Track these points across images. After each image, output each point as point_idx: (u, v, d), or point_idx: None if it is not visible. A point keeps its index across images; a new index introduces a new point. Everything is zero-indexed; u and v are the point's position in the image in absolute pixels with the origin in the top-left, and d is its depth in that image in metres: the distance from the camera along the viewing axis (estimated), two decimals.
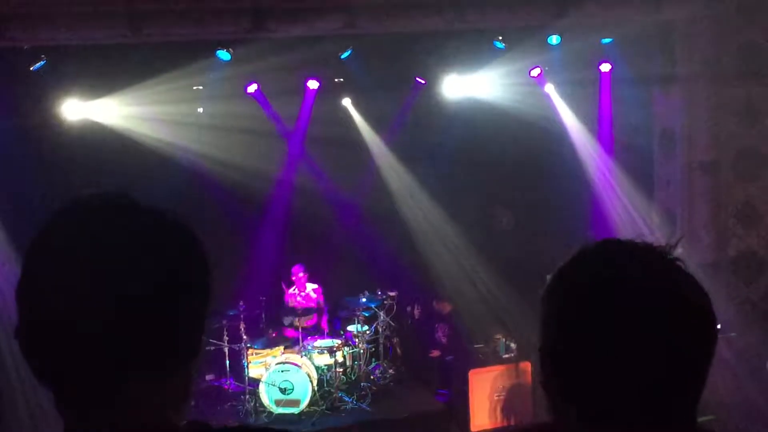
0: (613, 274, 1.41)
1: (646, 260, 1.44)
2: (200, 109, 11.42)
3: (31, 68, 9.07)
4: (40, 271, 1.30)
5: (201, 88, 10.59)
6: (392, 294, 11.18)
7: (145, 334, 1.29)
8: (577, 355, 1.41)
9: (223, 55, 9.56)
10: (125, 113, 10.24)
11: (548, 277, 1.51)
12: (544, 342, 1.48)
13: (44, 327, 1.28)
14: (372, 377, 10.86)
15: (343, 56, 10.14)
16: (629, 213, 11.03)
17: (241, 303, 10.40)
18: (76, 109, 10.01)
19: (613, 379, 1.37)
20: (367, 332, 10.90)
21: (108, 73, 9.56)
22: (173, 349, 1.34)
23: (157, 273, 1.30)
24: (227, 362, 10.53)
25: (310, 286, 11.41)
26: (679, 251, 1.47)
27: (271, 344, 10.71)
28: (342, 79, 11.26)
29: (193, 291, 1.37)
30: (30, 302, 1.30)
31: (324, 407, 10.18)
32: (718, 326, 1.44)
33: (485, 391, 10.36)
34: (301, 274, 11.35)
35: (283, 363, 10.18)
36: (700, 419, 1.45)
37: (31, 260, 1.31)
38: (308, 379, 10.04)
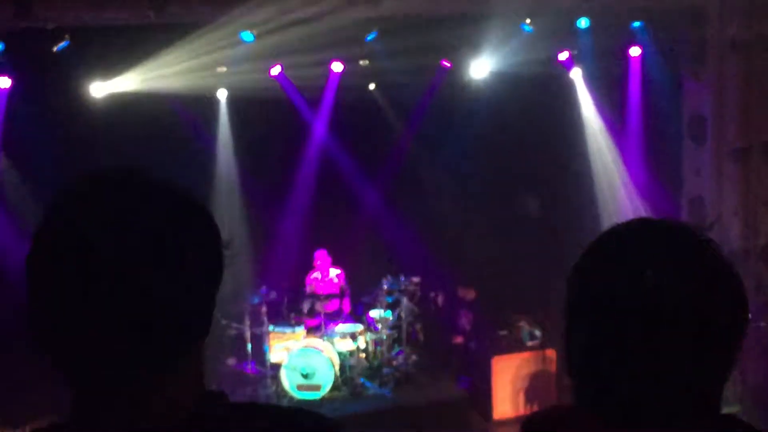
0: (644, 252, 1.39)
1: (679, 240, 1.42)
2: (222, 90, 11.57)
3: (55, 49, 9.09)
4: (49, 252, 1.29)
5: (224, 69, 10.59)
6: (416, 280, 11.14)
7: (158, 314, 1.29)
8: (601, 339, 1.38)
9: (247, 36, 9.54)
10: (149, 83, 10.22)
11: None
12: (569, 326, 1.47)
13: (57, 310, 1.27)
14: (394, 363, 10.85)
15: (368, 38, 10.10)
16: (657, 202, 10.96)
17: (263, 287, 10.47)
18: (101, 87, 10.11)
19: (636, 364, 1.35)
20: (390, 318, 10.89)
21: (131, 51, 9.59)
22: (185, 328, 1.35)
23: (169, 252, 1.30)
24: (249, 346, 10.56)
25: (333, 272, 11.44)
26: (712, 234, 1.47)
27: (293, 328, 10.74)
28: (367, 62, 11.22)
29: (204, 270, 1.37)
30: (40, 284, 1.29)
31: (346, 393, 10.21)
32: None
33: (508, 379, 10.36)
34: (323, 260, 11.38)
35: (305, 347, 10.20)
36: (725, 410, 1.43)
37: (40, 238, 1.31)
38: (330, 364, 10.06)
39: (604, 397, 1.40)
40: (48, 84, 9.70)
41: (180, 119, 11.25)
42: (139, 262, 1.26)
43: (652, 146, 11.32)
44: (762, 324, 8.87)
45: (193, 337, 1.39)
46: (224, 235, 1.42)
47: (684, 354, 1.34)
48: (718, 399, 1.40)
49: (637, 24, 10.53)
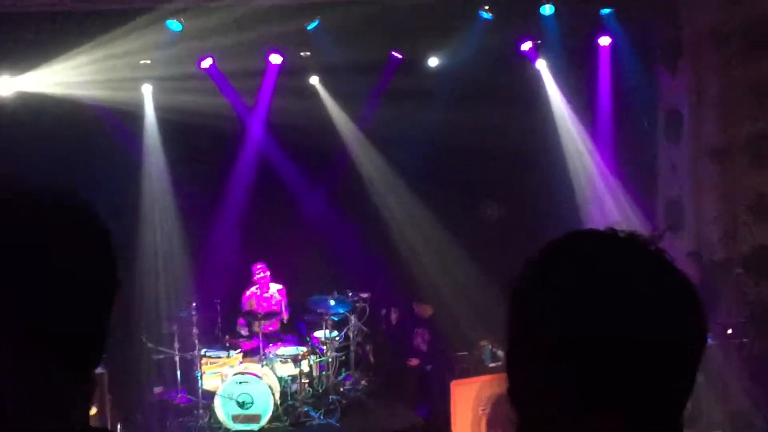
0: (583, 270, 1.39)
1: (624, 253, 1.41)
2: (148, 86, 11.49)
3: None
4: None
5: (149, 62, 10.48)
6: (365, 295, 11.14)
7: (29, 339, 1.28)
8: (541, 359, 1.39)
9: (174, 25, 9.47)
10: (62, 80, 10.11)
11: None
12: (512, 346, 1.46)
13: None
14: (342, 389, 10.82)
15: (309, 27, 10.08)
16: (628, 204, 11.08)
17: (193, 305, 10.35)
18: (9, 84, 9.98)
19: (580, 384, 1.35)
20: (337, 339, 10.86)
21: (45, 43, 9.46)
22: (72, 356, 1.34)
23: (51, 270, 1.29)
24: (178, 372, 10.47)
25: (274, 287, 11.38)
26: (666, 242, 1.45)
27: (228, 352, 10.63)
28: (309, 53, 11.19)
29: (87, 287, 1.35)
30: None
31: (287, 423, 10.12)
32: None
33: (469, 404, 10.20)
34: (263, 274, 11.30)
35: (242, 373, 10.10)
36: None
37: None
38: (270, 391, 9.97)
39: (547, 421, 1.41)
40: None
41: (101, 119, 11.14)
42: (17, 283, 1.26)
43: (625, 145, 11.47)
44: (746, 340, 8.97)
45: (77, 366, 1.36)
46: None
47: (632, 376, 1.34)
48: (676, 423, 1.40)
49: (606, 11, 10.61)
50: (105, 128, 11.23)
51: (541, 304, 1.40)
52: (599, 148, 11.66)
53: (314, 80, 12.33)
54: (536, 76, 11.81)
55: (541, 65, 11.69)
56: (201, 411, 10.17)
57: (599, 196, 11.59)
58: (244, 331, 10.94)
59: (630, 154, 11.40)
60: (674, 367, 1.38)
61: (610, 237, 1.44)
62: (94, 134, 10.89)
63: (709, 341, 1.47)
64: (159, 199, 12.05)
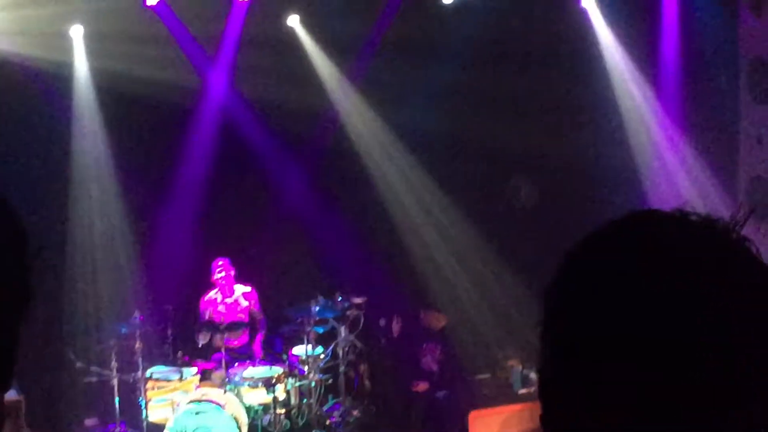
0: (645, 261, 1.39)
1: (697, 241, 1.42)
2: (77, 26, 11.41)
3: None
4: None
5: None
6: (359, 301, 11.16)
7: None
8: (592, 378, 1.39)
9: None
10: None
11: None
12: (546, 362, 1.48)
13: None
14: (328, 422, 10.84)
15: None
16: (702, 180, 11.10)
17: (136, 314, 10.36)
18: None
19: (640, 401, 1.35)
20: (322, 356, 10.90)
21: None
22: None
23: None
24: (116, 400, 10.44)
25: (240, 289, 11.37)
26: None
27: (181, 373, 10.57)
28: None
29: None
30: None
31: None
32: None
33: None
34: (223, 273, 11.23)
35: (199, 401, 10.06)
36: None
37: None
38: (235, 424, 9.94)
39: None
40: None
41: (16, 72, 11.02)
42: None
43: (697, 104, 11.49)
44: None
45: None
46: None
47: (723, 410, 1.35)
48: None
49: None
50: (17, 85, 11.09)
51: (590, 305, 1.41)
52: (665, 109, 11.67)
53: (293, 21, 12.29)
54: (582, 18, 11.85)
55: (589, 3, 11.74)
56: None
57: (666, 169, 11.60)
58: (200, 344, 10.90)
59: (704, 116, 11.43)
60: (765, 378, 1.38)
61: (679, 220, 1.46)
62: (6, 93, 10.83)
63: None
64: (94, 179, 12.04)
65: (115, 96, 11.62)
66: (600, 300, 1.40)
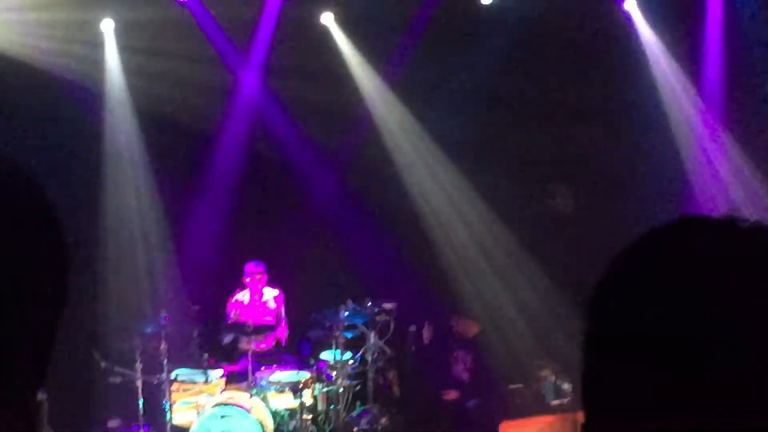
0: (692, 269, 1.38)
1: (746, 249, 1.39)
2: (109, 21, 11.44)
3: None
4: None
5: None
6: (389, 306, 11.04)
7: None
8: (632, 385, 1.38)
9: None
10: None
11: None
12: (588, 370, 1.47)
13: None
14: (356, 429, 10.75)
15: None
16: (747, 184, 11.10)
17: (163, 314, 10.28)
18: None
19: (680, 411, 1.34)
20: (350, 362, 10.81)
21: None
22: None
23: None
24: (140, 402, 10.37)
25: (270, 292, 11.35)
26: None
27: (206, 376, 10.54)
28: None
29: (29, 288, 1.36)
30: None
31: None
32: None
33: None
34: (258, 275, 11.23)
35: (224, 404, 10.05)
36: None
37: None
38: (261, 429, 9.90)
39: None
40: None
41: (47, 72, 11.01)
42: None
43: (741, 106, 11.43)
44: None
45: (14, 390, 1.35)
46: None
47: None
48: None
49: None
50: (49, 84, 11.14)
51: (635, 313, 1.41)
52: (709, 111, 11.70)
53: (327, 18, 12.28)
54: (624, 20, 11.81)
55: (631, 5, 11.69)
56: None
57: (712, 173, 11.56)
58: (226, 339, 10.94)
59: (749, 119, 11.39)
60: None
61: (728, 227, 1.44)
62: (37, 90, 10.86)
63: None
64: (124, 175, 12.10)
65: (147, 87, 11.68)
66: (650, 306, 1.38)
